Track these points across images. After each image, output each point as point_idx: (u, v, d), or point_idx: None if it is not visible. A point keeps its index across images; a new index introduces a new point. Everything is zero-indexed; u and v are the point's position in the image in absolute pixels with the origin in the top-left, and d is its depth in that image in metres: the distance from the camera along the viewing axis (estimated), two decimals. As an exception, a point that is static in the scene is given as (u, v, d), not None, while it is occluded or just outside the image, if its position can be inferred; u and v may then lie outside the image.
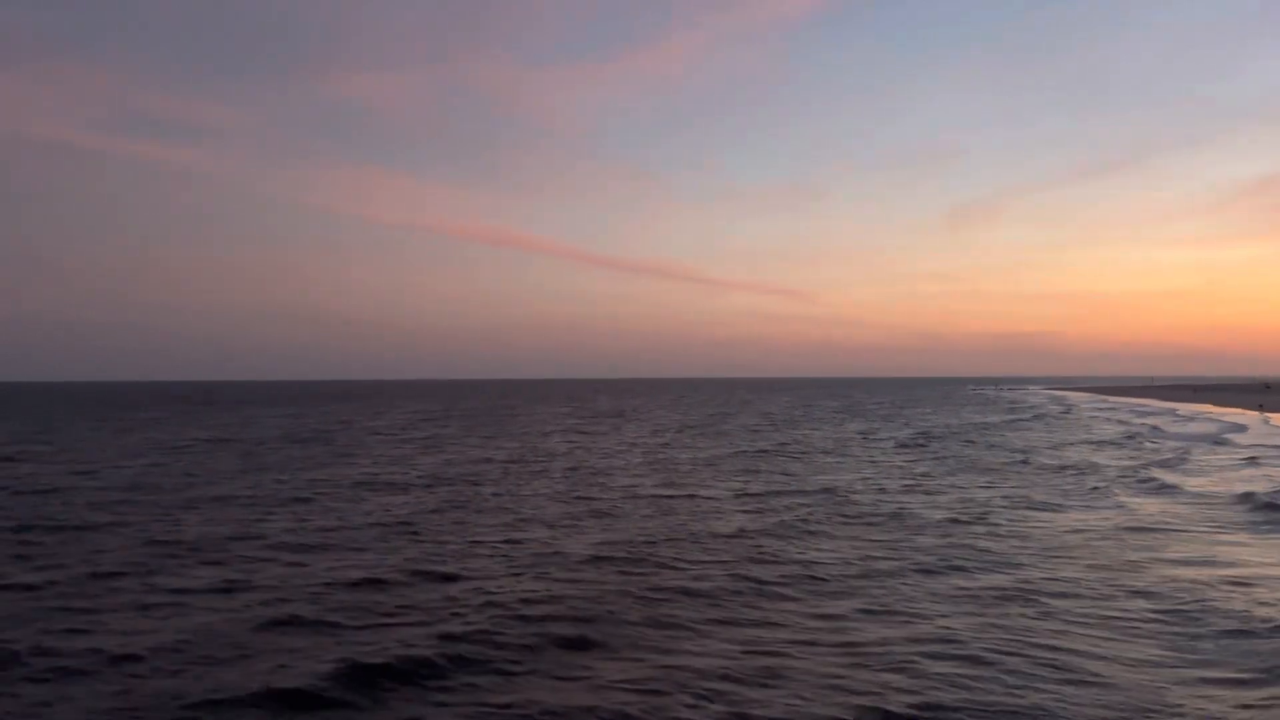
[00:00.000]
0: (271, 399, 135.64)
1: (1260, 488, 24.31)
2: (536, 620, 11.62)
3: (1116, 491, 24.63)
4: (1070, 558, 15.79)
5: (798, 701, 8.90)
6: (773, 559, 15.79)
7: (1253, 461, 32.21)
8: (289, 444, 44.15)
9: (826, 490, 25.28)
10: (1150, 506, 21.86)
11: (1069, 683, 9.29)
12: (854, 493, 24.71)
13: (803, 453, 38.02)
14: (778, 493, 24.86)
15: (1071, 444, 42.07)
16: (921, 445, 41.88)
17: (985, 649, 10.39)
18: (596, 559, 15.72)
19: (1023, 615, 11.93)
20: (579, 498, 24.02)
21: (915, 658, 10.12)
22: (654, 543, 17.29)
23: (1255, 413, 71.11)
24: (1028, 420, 64.48)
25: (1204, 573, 14.48)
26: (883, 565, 15.23)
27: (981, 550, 16.42)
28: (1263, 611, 11.94)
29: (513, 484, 27.25)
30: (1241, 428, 52.24)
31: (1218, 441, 42.27)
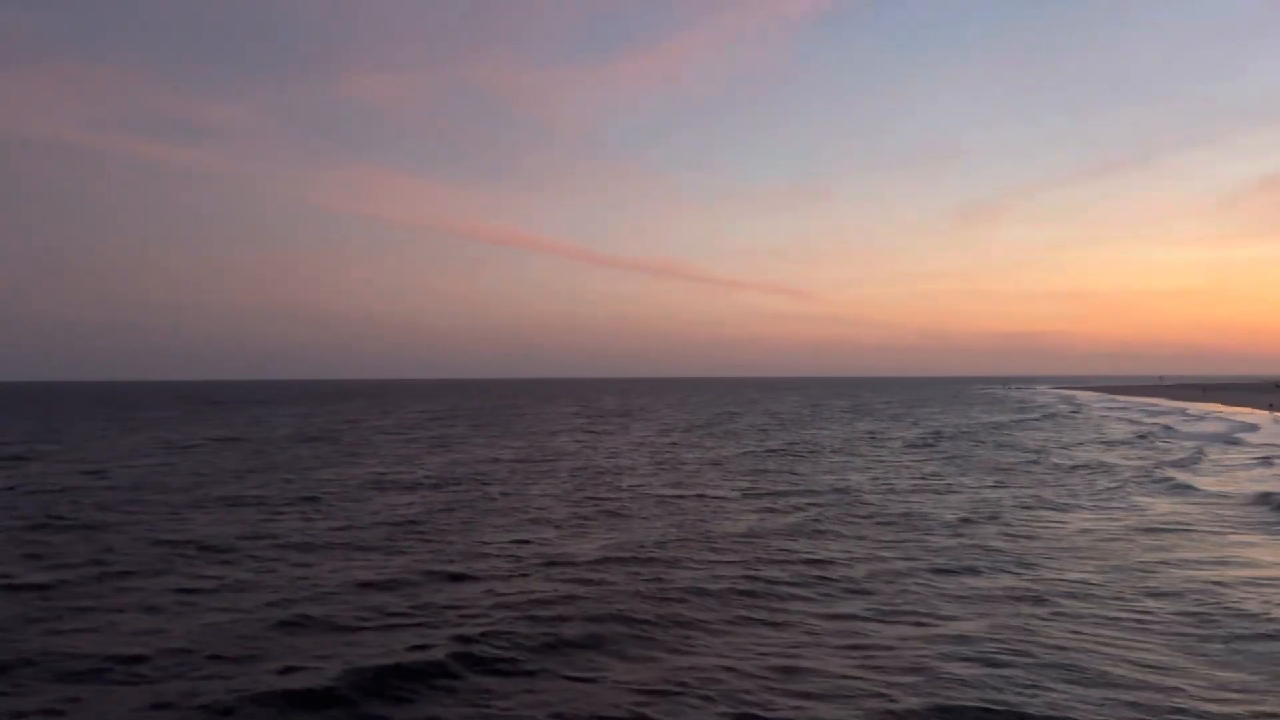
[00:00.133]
0: (278, 398, 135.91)
1: (1276, 488, 24.12)
2: (547, 621, 11.55)
3: (1132, 492, 24.46)
4: (1085, 558, 15.66)
5: (808, 703, 8.83)
6: (783, 559, 15.70)
7: (1266, 461, 31.98)
8: (296, 443, 44.18)
9: (836, 490, 25.17)
10: (1166, 507, 21.70)
11: (1082, 684, 9.19)
12: (864, 493, 24.60)
13: (811, 452, 37.89)
14: (787, 493, 24.75)
15: (1084, 444, 41.84)
16: (932, 445, 41.70)
17: (997, 650, 10.29)
18: (606, 559, 15.66)
19: (1036, 616, 11.83)
20: (587, 498, 23.95)
21: (927, 659, 10.04)
22: (663, 543, 17.21)
23: (1265, 412, 70.71)
24: (1038, 420, 64.19)
25: (1222, 573, 14.34)
26: (894, 566, 15.13)
27: (994, 550, 16.31)
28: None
29: (520, 484, 27.19)
30: (1253, 427, 51.95)
31: (1230, 441, 42.00)
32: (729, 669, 9.79)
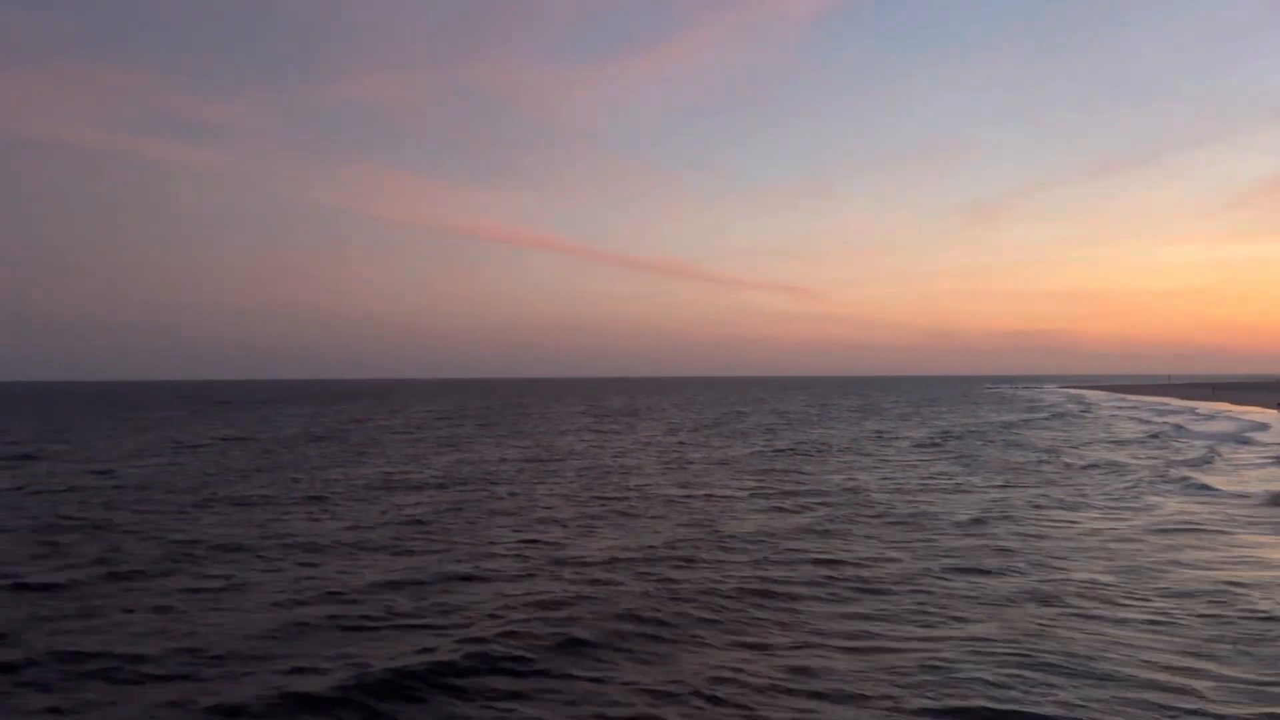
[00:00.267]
0: (283, 398, 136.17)
1: (1290, 488, 23.91)
2: (557, 622, 11.47)
3: (1146, 491, 24.27)
4: (1098, 558, 15.52)
5: (819, 704, 8.76)
6: (792, 559, 15.59)
7: (1279, 461, 31.74)
8: (304, 443, 44.19)
9: (845, 490, 25.03)
10: (1181, 507, 21.51)
11: (1095, 684, 9.08)
12: (874, 492, 24.46)
13: (819, 452, 37.74)
14: (795, 492, 24.62)
15: (1095, 443, 41.60)
16: (941, 445, 41.51)
17: (1010, 650, 10.19)
18: (614, 560, 15.58)
19: (1050, 616, 11.71)
20: (595, 497, 23.86)
21: (938, 659, 9.94)
22: (672, 543, 17.11)
23: (1275, 411, 70.29)
24: (1047, 419, 63.91)
25: (1238, 574, 14.18)
26: (905, 566, 15.01)
27: (1006, 551, 16.17)
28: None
29: (528, 483, 27.11)
30: (1263, 426, 51.64)
31: (1241, 440, 41.73)
32: (739, 670, 9.71)
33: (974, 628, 11.28)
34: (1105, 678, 9.36)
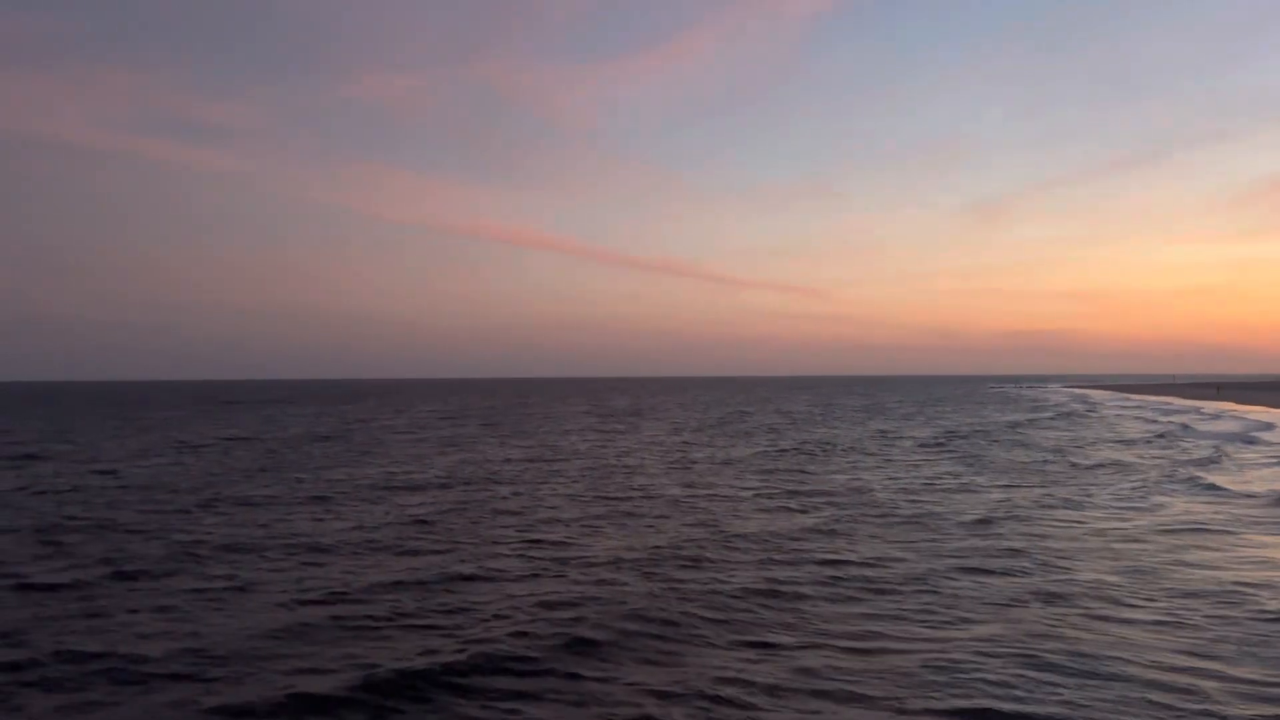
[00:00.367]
0: (287, 398, 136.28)
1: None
2: (562, 623, 11.43)
3: (1154, 491, 24.15)
4: (1107, 559, 15.43)
5: (825, 704, 8.72)
6: (798, 560, 15.54)
7: (1286, 460, 31.60)
8: (308, 443, 44.19)
9: (851, 490, 24.96)
10: (1190, 507, 21.41)
11: (1102, 685, 9.02)
12: (879, 493, 24.39)
13: (824, 452, 37.66)
14: (801, 493, 24.55)
15: (1101, 443, 41.47)
16: (946, 445, 41.39)
17: (1016, 651, 10.14)
18: (620, 560, 15.53)
19: (1057, 617, 11.64)
20: (599, 498, 23.81)
21: (944, 660, 9.89)
22: (677, 544, 17.06)
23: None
24: (1052, 419, 63.74)
25: (1249, 574, 14.10)
26: (911, 566, 14.94)
27: (1013, 551, 16.08)
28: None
29: (532, 483, 27.07)
30: (1269, 426, 51.47)
31: (1247, 440, 41.56)
32: (745, 670, 9.66)
33: (981, 628, 11.22)
34: (1112, 678, 9.30)
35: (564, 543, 17.32)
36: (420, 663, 9.82)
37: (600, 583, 13.80)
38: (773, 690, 9.11)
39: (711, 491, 24.96)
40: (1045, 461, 32.80)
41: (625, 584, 13.71)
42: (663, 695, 9.00)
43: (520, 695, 9.06)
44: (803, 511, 21.11)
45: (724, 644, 10.78)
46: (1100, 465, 31.13)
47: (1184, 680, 9.25)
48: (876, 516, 20.20)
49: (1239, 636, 10.82)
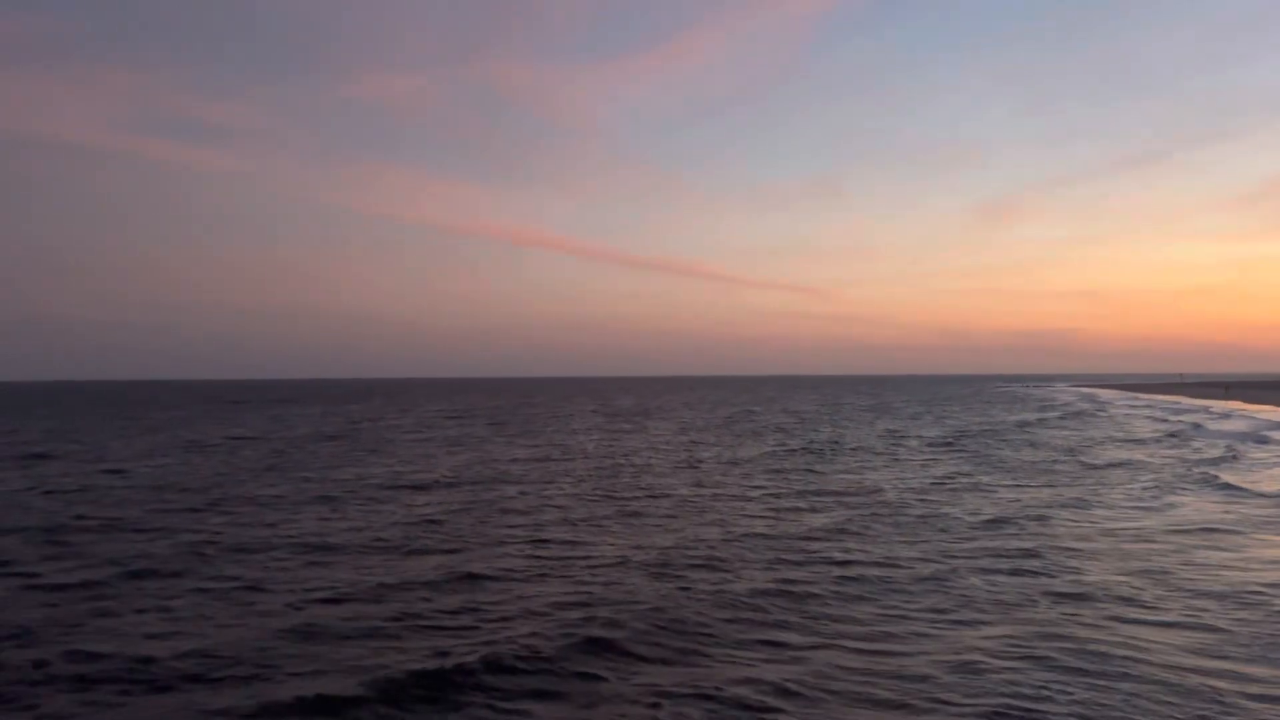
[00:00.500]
0: (294, 398, 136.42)
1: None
2: (572, 624, 11.34)
3: (1169, 491, 23.96)
4: (1124, 559, 15.29)
5: (839, 706, 8.63)
6: (806, 560, 15.41)
7: (1300, 459, 31.36)
8: (315, 443, 44.14)
9: (861, 490, 24.81)
10: (1206, 506, 21.25)
11: (1119, 689, 8.89)
12: (889, 493, 24.22)
13: (833, 452, 37.49)
14: (809, 493, 24.41)
15: (1113, 442, 41.22)
16: (957, 444, 41.17)
17: (1031, 653, 10.03)
18: (628, 561, 15.44)
19: (1073, 619, 11.51)
20: (607, 497, 23.70)
21: (957, 661, 9.78)
22: (687, 544, 16.96)
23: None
24: (1061, 418, 63.44)
25: (1271, 575, 13.95)
26: (921, 567, 14.81)
27: (1028, 552, 15.92)
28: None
29: (539, 483, 26.95)
30: (1279, 425, 51.19)
31: (1258, 440, 41.29)
32: (756, 671, 9.56)
33: (995, 629, 11.11)
34: (1125, 679, 9.20)
35: (573, 542, 17.21)
36: (431, 664, 9.74)
37: (610, 583, 13.70)
38: (785, 691, 9.02)
39: (721, 491, 24.82)
40: (1057, 461, 32.59)
41: (635, 584, 13.62)
42: (675, 696, 8.93)
43: (531, 695, 8.99)
44: (813, 511, 20.96)
45: (735, 644, 10.69)
46: (1113, 465, 30.92)
47: (1202, 682, 9.13)
48: (887, 516, 20.05)
49: (1256, 637, 10.68)
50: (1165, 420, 58.06)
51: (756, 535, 17.78)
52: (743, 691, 8.99)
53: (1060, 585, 13.41)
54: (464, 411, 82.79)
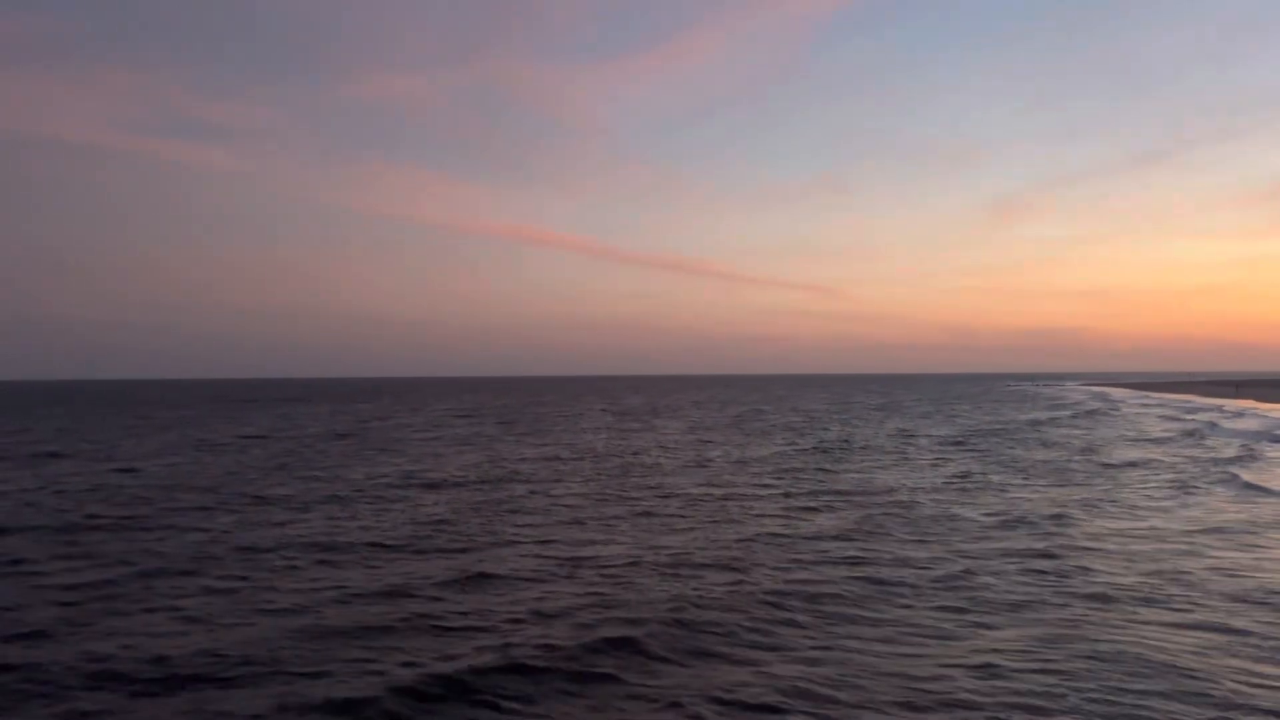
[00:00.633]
0: (302, 396, 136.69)
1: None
2: (584, 626, 11.25)
3: (1194, 491, 23.72)
4: (1145, 560, 15.09)
5: (851, 707, 8.50)
6: (819, 561, 15.27)
7: (1316, 459, 31.03)
8: (326, 442, 44.12)
9: (872, 490, 24.61)
10: (1233, 506, 21.06)
11: (1138, 692, 8.73)
12: (901, 493, 24.03)
13: (843, 451, 37.28)
14: (821, 493, 24.23)
15: (1128, 441, 40.92)
16: (971, 444, 40.90)
17: (1049, 654, 9.88)
18: (639, 562, 15.34)
19: (1094, 620, 11.34)
20: (618, 497, 23.57)
21: (971, 663, 9.64)
22: (697, 545, 16.85)
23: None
24: (1074, 417, 63.07)
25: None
26: (935, 568, 14.65)
27: (1045, 553, 15.73)
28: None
29: (549, 482, 26.83)
30: (1294, 424, 50.78)
31: (1274, 439, 40.96)
32: (770, 673, 9.43)
33: (1011, 630, 10.97)
34: (1143, 680, 9.05)
35: (584, 542, 17.09)
36: (444, 665, 9.66)
37: (623, 584, 13.60)
38: (800, 692, 8.92)
39: (732, 491, 24.66)
40: (1073, 460, 32.33)
41: (648, 585, 13.50)
42: (690, 697, 8.84)
43: (546, 697, 8.90)
44: (825, 511, 20.79)
45: (750, 644, 10.58)
46: (1131, 464, 30.66)
47: (1219, 685, 8.96)
48: (900, 516, 19.87)
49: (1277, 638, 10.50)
50: (1179, 419, 57.65)
51: (769, 535, 17.63)
52: (758, 692, 8.90)
53: (1079, 586, 13.24)
54: (472, 410, 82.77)
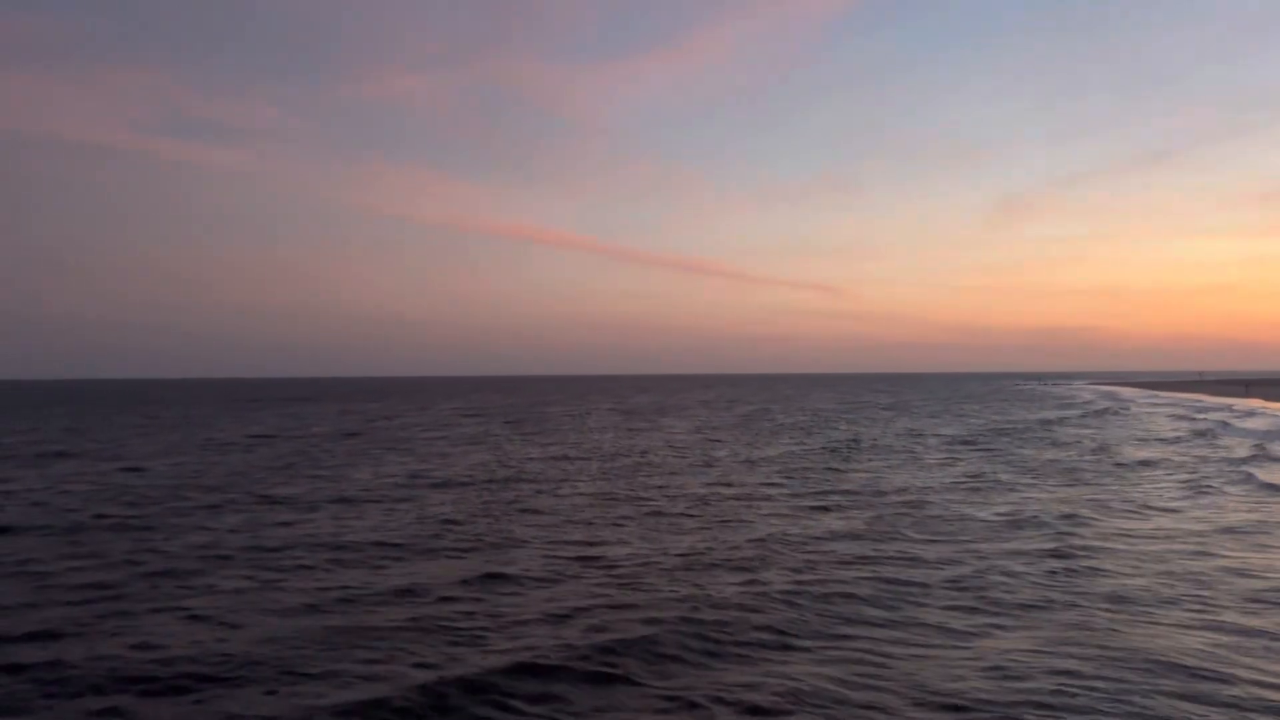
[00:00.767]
0: (309, 395, 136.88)
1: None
2: (593, 628, 11.14)
3: (1210, 491, 23.49)
4: (1160, 561, 14.92)
5: (862, 709, 8.37)
6: (829, 563, 15.14)
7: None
8: (333, 441, 44.08)
9: (882, 490, 24.45)
10: (1251, 505, 20.83)
11: (1156, 694, 8.58)
12: (913, 493, 23.87)
13: (852, 451, 37.10)
14: (831, 493, 24.08)
15: (1142, 441, 40.66)
16: (980, 443, 40.68)
17: (1066, 656, 9.73)
18: (648, 563, 15.25)
19: (1108, 622, 11.19)
20: (626, 497, 23.47)
21: (985, 664, 9.50)
22: (705, 546, 16.74)
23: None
24: (1084, 416, 62.77)
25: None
26: (950, 570, 14.51)
27: (1058, 553, 15.57)
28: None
29: (557, 482, 26.72)
30: (1305, 423, 50.45)
31: (1285, 438, 40.62)
32: (780, 674, 9.31)
33: (1023, 631, 10.83)
34: (1155, 681, 8.91)
35: (593, 543, 16.98)
36: (454, 668, 9.57)
37: (632, 585, 13.50)
38: (810, 693, 8.81)
39: (740, 491, 24.52)
40: (1086, 460, 32.11)
41: (658, 586, 13.41)
42: (701, 698, 8.74)
43: (555, 700, 8.79)
44: (835, 511, 20.64)
45: (761, 645, 10.48)
46: (1145, 464, 30.44)
47: (1246, 688, 8.81)
48: (910, 516, 19.70)
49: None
50: (1190, 418, 57.31)
51: (778, 536, 17.48)
52: (772, 693, 8.81)
53: (1091, 586, 13.10)
54: (479, 410, 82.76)
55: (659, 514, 20.49)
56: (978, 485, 25.28)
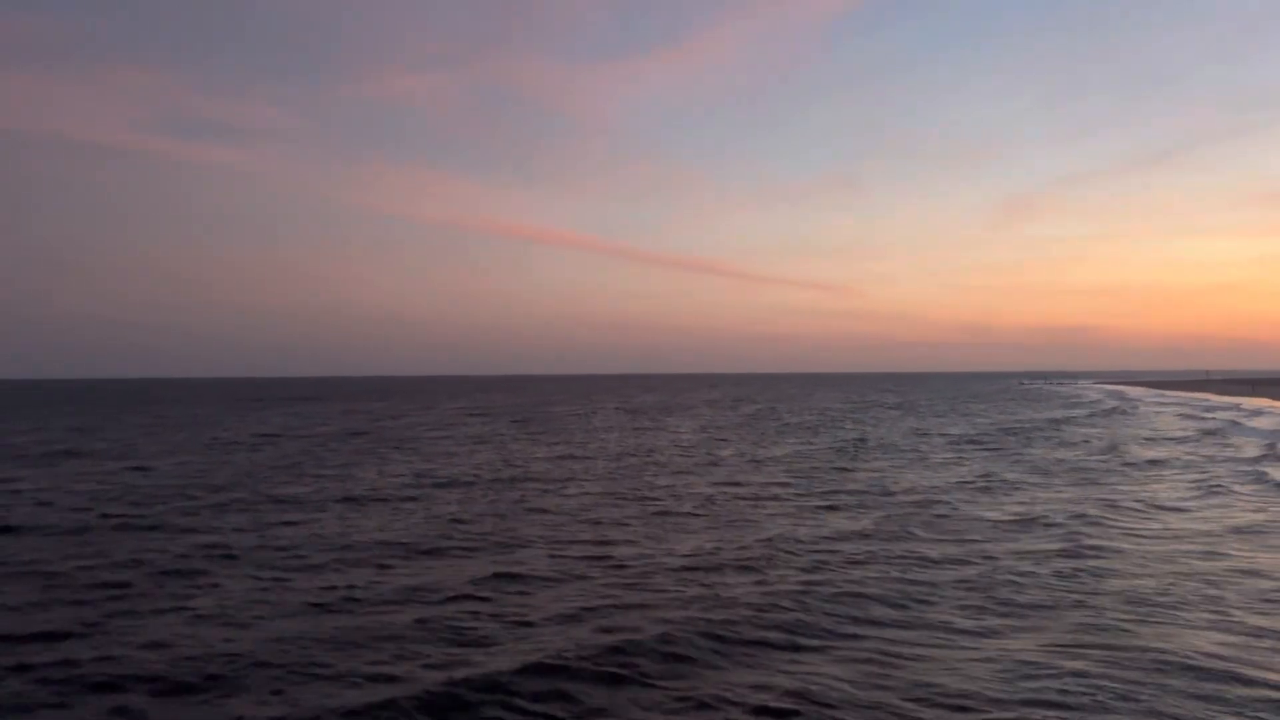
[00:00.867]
0: (314, 395, 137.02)
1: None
2: (602, 630, 11.09)
3: (1223, 491, 23.34)
4: (1174, 561, 14.82)
5: (872, 710, 8.31)
6: (840, 563, 15.08)
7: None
8: (339, 440, 44.09)
9: (891, 491, 24.36)
10: (1266, 505, 20.69)
11: (1166, 697, 8.51)
12: (921, 494, 23.77)
13: (862, 451, 36.99)
14: (838, 493, 24.02)
15: (1149, 440, 40.51)
16: (988, 443, 40.55)
17: (1076, 657, 9.65)
18: (657, 564, 15.21)
19: (1125, 623, 11.10)
20: (632, 497, 23.42)
21: (994, 666, 9.42)
22: (713, 547, 16.67)
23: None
24: (1091, 416, 62.57)
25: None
26: (959, 571, 14.46)
27: (1069, 554, 15.49)
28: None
29: (563, 482, 26.68)
30: (1314, 422, 50.23)
31: (1295, 437, 40.42)
32: (790, 675, 9.25)
33: (1033, 632, 10.77)
34: (1165, 681, 8.84)
35: (599, 543, 16.95)
36: (464, 669, 9.52)
37: (640, 586, 13.46)
38: (819, 695, 8.74)
39: (747, 491, 24.46)
40: (1096, 459, 31.97)
41: (666, 586, 13.37)
42: (708, 699, 8.70)
43: (563, 701, 8.74)
44: (843, 511, 20.57)
45: (769, 645, 10.43)
46: (1155, 463, 30.31)
47: (1257, 688, 8.73)
48: (919, 517, 19.62)
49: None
50: (1199, 418, 57.09)
51: (786, 536, 17.42)
52: (782, 693, 8.77)
53: (1101, 586, 13.03)
54: (485, 409, 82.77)
55: (666, 514, 20.44)
56: (986, 485, 25.19)
